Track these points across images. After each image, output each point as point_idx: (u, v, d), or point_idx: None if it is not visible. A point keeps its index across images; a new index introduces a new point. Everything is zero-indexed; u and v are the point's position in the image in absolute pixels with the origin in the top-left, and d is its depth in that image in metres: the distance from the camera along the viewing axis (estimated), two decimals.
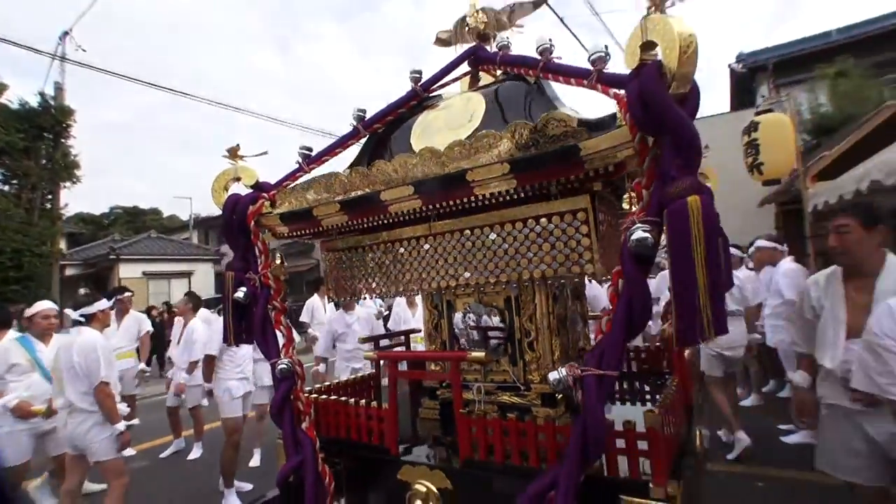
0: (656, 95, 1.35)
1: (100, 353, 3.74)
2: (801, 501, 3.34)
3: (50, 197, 9.84)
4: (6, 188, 9.39)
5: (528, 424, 1.75)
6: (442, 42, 3.04)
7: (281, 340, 2.37)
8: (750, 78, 15.52)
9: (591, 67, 1.80)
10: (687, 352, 2.59)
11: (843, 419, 2.54)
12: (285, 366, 2.22)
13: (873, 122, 5.95)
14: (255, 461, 5.58)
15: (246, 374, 4.92)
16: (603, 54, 1.77)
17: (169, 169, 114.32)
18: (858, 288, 2.47)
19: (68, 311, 4.17)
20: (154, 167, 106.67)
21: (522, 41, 2.82)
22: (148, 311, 10.84)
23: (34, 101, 9.34)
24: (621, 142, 1.50)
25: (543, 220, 1.87)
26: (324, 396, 2.42)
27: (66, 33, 9.38)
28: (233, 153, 2.62)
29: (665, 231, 1.36)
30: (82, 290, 11.93)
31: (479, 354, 1.92)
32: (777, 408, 5.86)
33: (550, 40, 2.14)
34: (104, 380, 3.70)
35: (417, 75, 2.67)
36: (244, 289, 2.38)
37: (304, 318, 7.10)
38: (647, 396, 2.66)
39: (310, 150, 2.69)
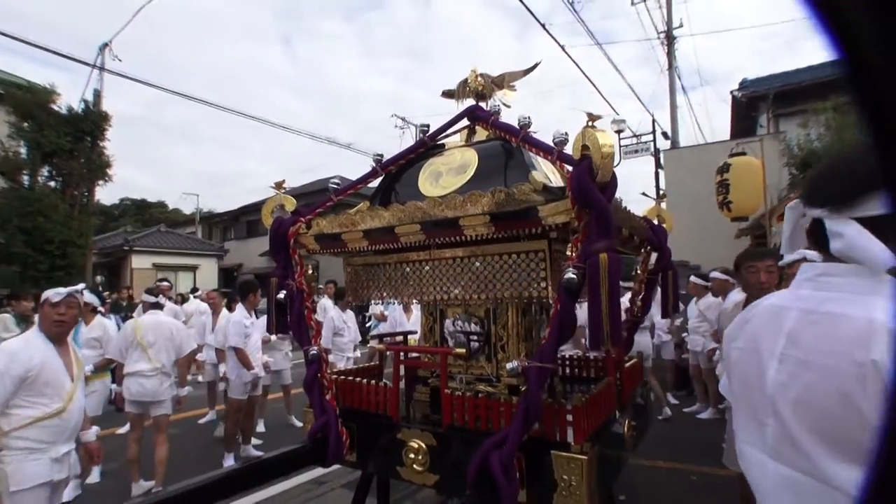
0: (585, 185, 2.06)
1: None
2: (727, 493, 3.97)
3: (87, 193, 10.72)
4: (53, 185, 10.30)
5: (490, 400, 2.46)
6: (447, 95, 3.73)
7: (311, 332, 3.08)
8: (751, 106, 15.32)
9: (554, 147, 2.52)
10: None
11: None
12: (315, 351, 2.94)
13: None
14: (260, 427, 6.57)
15: (255, 362, 5.65)
16: (563, 139, 2.49)
17: (174, 162, 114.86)
18: None
19: (147, 296, 5.13)
20: (160, 160, 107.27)
21: (517, 97, 3.56)
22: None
23: (77, 106, 10.36)
24: (566, 209, 2.21)
25: (514, 255, 2.59)
26: (343, 377, 3.14)
27: (105, 45, 10.33)
28: (278, 185, 3.36)
29: (587, 274, 2.06)
30: (98, 278, 12.67)
31: (461, 351, 2.65)
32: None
33: (528, 117, 2.86)
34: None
35: (426, 128, 3.41)
36: (284, 292, 3.08)
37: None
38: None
39: (337, 183, 3.42)
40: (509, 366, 2.27)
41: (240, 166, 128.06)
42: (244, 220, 29.25)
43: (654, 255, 3.77)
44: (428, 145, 3.40)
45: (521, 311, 2.97)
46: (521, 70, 3.64)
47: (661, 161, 15.66)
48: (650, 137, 16.18)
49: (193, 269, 22.57)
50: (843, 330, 0.96)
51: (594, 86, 14.09)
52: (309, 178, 36.16)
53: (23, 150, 9.84)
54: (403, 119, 21.40)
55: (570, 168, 2.34)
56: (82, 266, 10.35)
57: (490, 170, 2.97)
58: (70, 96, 10.70)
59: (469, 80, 3.49)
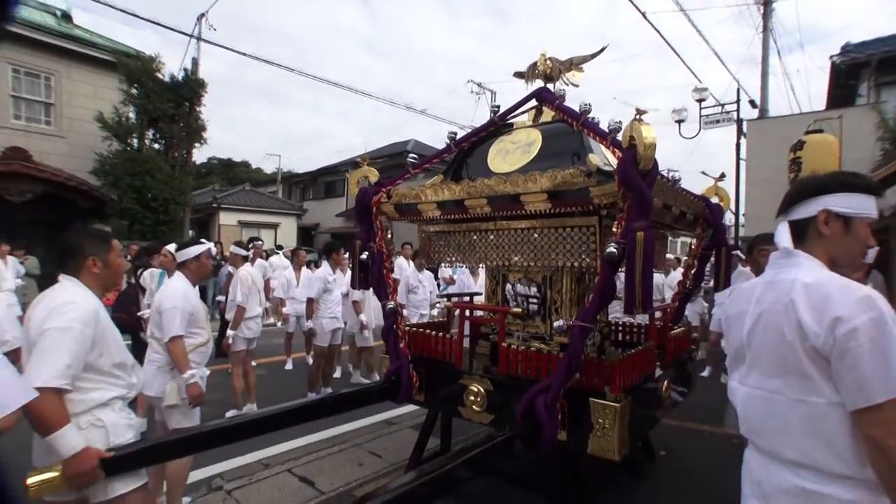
0: (629, 171, 2.36)
1: None
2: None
3: (185, 154, 11.81)
4: (157, 147, 11.47)
5: (540, 353, 2.86)
6: (518, 75, 4.02)
7: (388, 289, 3.55)
8: (851, 73, 14.03)
9: (609, 133, 2.82)
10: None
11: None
12: (392, 305, 3.43)
13: None
14: (337, 374, 7.13)
15: (336, 314, 6.20)
16: (617, 126, 2.78)
17: (256, 122, 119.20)
18: None
19: (238, 249, 5.77)
20: (244, 120, 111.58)
21: (601, 60, 3.79)
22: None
23: (178, 74, 11.40)
24: (613, 191, 2.52)
25: (568, 228, 2.94)
26: (415, 329, 3.62)
27: (202, 15, 11.21)
28: (363, 161, 3.81)
29: (626, 248, 2.39)
30: (191, 232, 13.85)
31: (518, 310, 3.04)
32: None
33: (589, 104, 3.16)
34: None
35: (496, 108, 3.75)
36: (367, 252, 3.56)
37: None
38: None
39: (416, 158, 3.84)
40: (556, 324, 2.65)
41: (319, 126, 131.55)
42: (322, 181, 30.44)
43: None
44: (497, 124, 3.74)
45: (575, 279, 3.31)
46: (588, 54, 3.87)
47: (745, 132, 15.07)
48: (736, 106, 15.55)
49: (275, 226, 23.92)
50: (780, 287, 1.47)
51: (676, 53, 13.60)
52: (387, 140, 36.97)
53: (132, 116, 10.98)
54: (479, 85, 21.46)
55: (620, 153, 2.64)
56: (181, 221, 11.54)
57: (552, 150, 3.28)
58: (169, 64, 11.71)
59: (538, 63, 3.77)
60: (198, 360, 3.34)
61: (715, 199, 4.03)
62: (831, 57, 14.10)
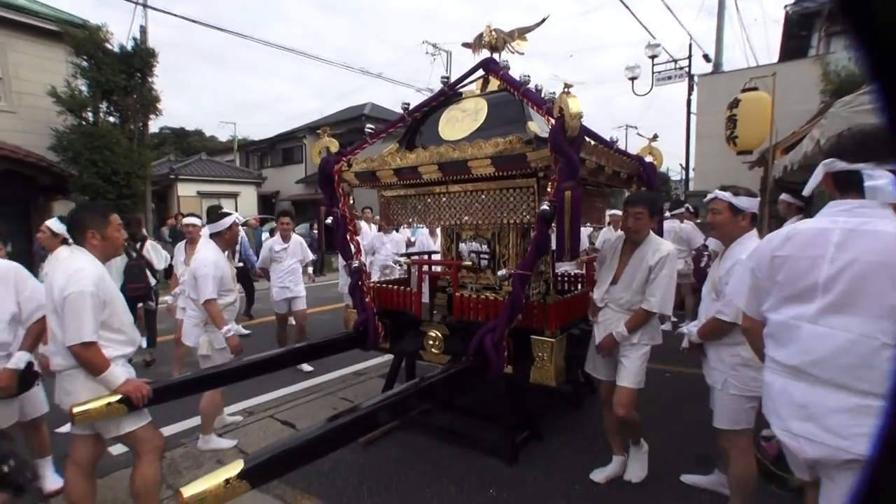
0: (558, 140, 2.72)
1: None
2: (687, 386, 4.68)
3: (141, 127, 11.64)
4: (112, 120, 11.27)
5: (488, 300, 3.26)
6: (467, 45, 4.30)
7: (352, 250, 3.89)
8: (804, 23, 14.06)
9: (545, 103, 3.17)
10: None
11: (596, 333, 3.22)
12: (357, 264, 3.78)
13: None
14: None
15: (286, 284, 5.96)
16: (553, 97, 3.13)
17: (206, 88, 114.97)
18: (627, 251, 3.14)
19: (193, 220, 5.84)
20: (193, 86, 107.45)
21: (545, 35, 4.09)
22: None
23: (127, 44, 11.12)
24: (547, 156, 2.88)
25: (511, 189, 3.31)
26: (379, 284, 3.98)
27: None
28: (324, 132, 4.09)
29: (557, 205, 2.77)
30: (151, 206, 13.77)
31: (468, 264, 3.43)
32: None
33: (528, 76, 3.49)
34: None
35: (446, 79, 4.05)
36: (331, 217, 3.87)
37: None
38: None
39: (372, 128, 4.12)
40: (500, 273, 3.07)
41: (272, 91, 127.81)
42: (280, 147, 30.04)
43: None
44: (447, 94, 4.04)
45: (520, 234, 3.70)
46: (531, 24, 4.17)
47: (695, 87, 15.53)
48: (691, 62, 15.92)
49: (234, 196, 23.65)
50: (879, 238, 1.56)
51: (627, 7, 13.83)
52: (344, 104, 36.50)
53: (84, 89, 10.73)
54: (435, 46, 21.41)
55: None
56: (143, 194, 11.49)
57: (497, 117, 3.62)
58: (115, 31, 11.36)
59: (484, 34, 4.06)
60: (227, 317, 3.82)
61: (649, 158, 4.44)
62: (785, 6, 13.95)
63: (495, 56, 3.97)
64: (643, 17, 31.47)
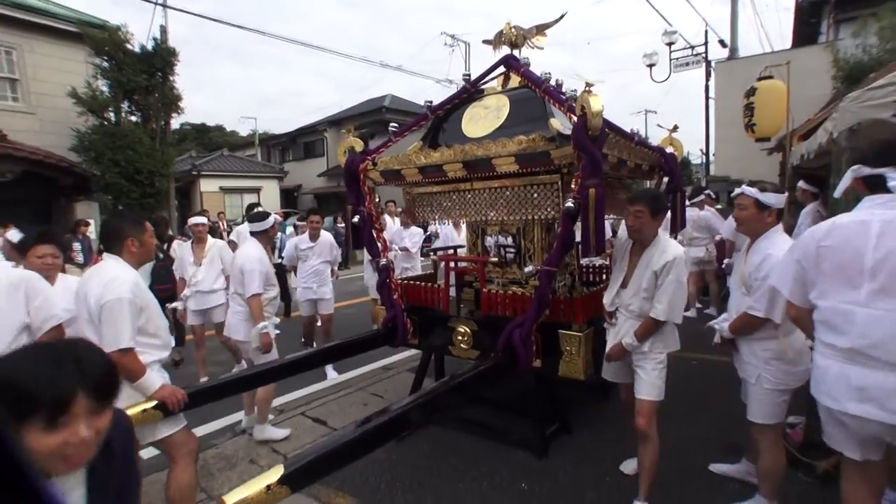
0: (581, 138, 2.76)
1: None
2: (720, 376, 4.69)
3: (164, 125, 11.86)
4: (134, 119, 11.51)
5: (515, 295, 3.32)
6: (487, 42, 4.34)
7: (379, 247, 3.97)
8: (813, 11, 14.00)
9: (566, 100, 3.21)
10: None
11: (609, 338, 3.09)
12: (384, 261, 3.86)
13: (861, 87, 6.39)
14: None
15: (309, 284, 5.82)
16: (574, 94, 3.16)
17: (226, 82, 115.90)
18: (636, 253, 2.94)
19: (199, 219, 5.72)
20: (213, 81, 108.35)
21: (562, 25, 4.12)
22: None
23: (147, 43, 11.33)
24: (570, 153, 2.93)
25: (535, 186, 3.36)
26: (407, 281, 4.07)
27: None
28: (348, 132, 4.16)
29: (581, 202, 2.81)
30: (175, 202, 14.01)
31: (495, 259, 3.49)
32: None
33: (549, 73, 3.53)
34: None
35: (468, 76, 4.09)
36: (357, 216, 3.96)
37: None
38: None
39: (396, 126, 4.18)
40: (527, 269, 3.12)
41: (292, 85, 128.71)
42: (301, 141, 30.26)
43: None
44: (470, 91, 4.09)
45: (545, 228, 3.75)
46: (550, 21, 4.19)
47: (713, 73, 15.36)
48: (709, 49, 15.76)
49: (257, 190, 23.94)
50: None
51: None
52: (363, 96, 36.48)
53: (105, 89, 10.99)
54: (453, 37, 21.34)
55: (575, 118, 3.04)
56: (166, 192, 11.73)
57: (520, 114, 3.66)
58: (133, 30, 11.53)
59: (504, 31, 4.10)
60: (270, 310, 4.05)
61: (670, 149, 4.45)
62: None
63: (515, 52, 4.03)
64: (659, 3, 30.94)
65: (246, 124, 50.67)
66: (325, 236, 5.91)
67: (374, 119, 25.25)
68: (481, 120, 3.85)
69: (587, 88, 2.84)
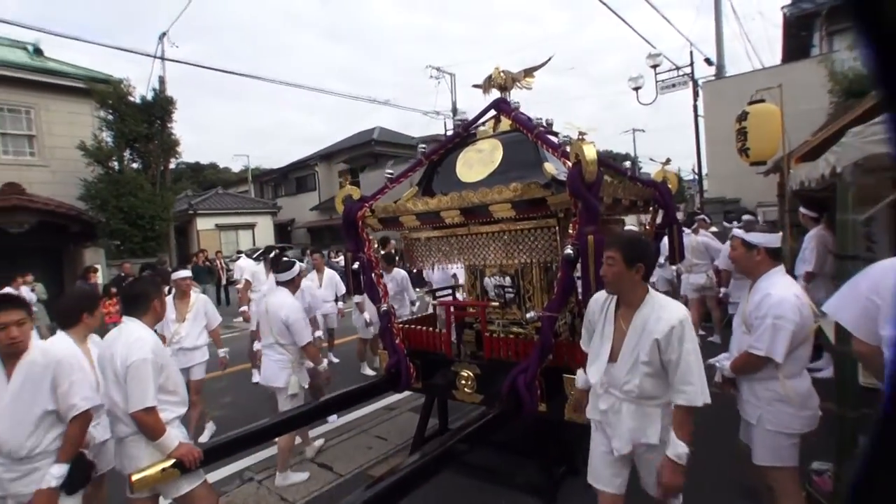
0: (577, 186, 2.82)
1: None
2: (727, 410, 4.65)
3: (163, 171, 12.10)
4: (135, 166, 11.79)
5: (518, 340, 3.35)
6: (477, 87, 4.43)
7: (380, 293, 3.99)
8: (803, 24, 13.82)
9: (560, 146, 3.28)
10: None
11: (597, 432, 2.52)
12: (385, 307, 3.88)
13: (860, 108, 6.22)
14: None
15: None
16: (567, 140, 3.24)
17: (217, 119, 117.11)
18: (624, 316, 2.40)
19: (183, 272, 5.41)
20: (205, 119, 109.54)
21: (538, 84, 4.23)
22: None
23: (146, 93, 11.71)
24: (566, 199, 2.98)
25: (532, 230, 3.41)
26: (408, 325, 4.08)
27: (164, 34, 11.45)
28: (346, 179, 4.23)
29: (580, 249, 2.86)
30: (174, 244, 14.07)
31: (495, 304, 3.52)
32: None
33: (542, 118, 3.62)
34: None
35: (461, 121, 4.18)
36: (357, 262, 3.99)
37: None
38: None
39: (391, 174, 4.25)
40: (529, 315, 3.15)
41: (282, 117, 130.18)
42: (293, 176, 30.60)
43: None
44: (462, 136, 4.17)
45: (544, 269, 3.79)
46: (537, 64, 4.29)
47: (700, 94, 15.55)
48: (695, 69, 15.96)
49: (251, 226, 24.11)
50: None
51: (626, 23, 13.96)
52: (352, 126, 36.90)
53: (109, 140, 11.36)
54: (438, 69, 21.69)
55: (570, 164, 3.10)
56: (166, 235, 11.93)
57: (513, 159, 3.73)
58: (133, 77, 11.99)
59: (493, 76, 4.19)
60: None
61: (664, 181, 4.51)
62: (783, 8, 13.85)
63: (505, 95, 4.12)
64: (642, 21, 31.60)
65: (239, 161, 51.17)
66: (329, 273, 5.97)
67: (364, 152, 25.56)
68: (476, 164, 3.92)
69: (581, 137, 2.91)
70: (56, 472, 2.42)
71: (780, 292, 2.55)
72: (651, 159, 16.81)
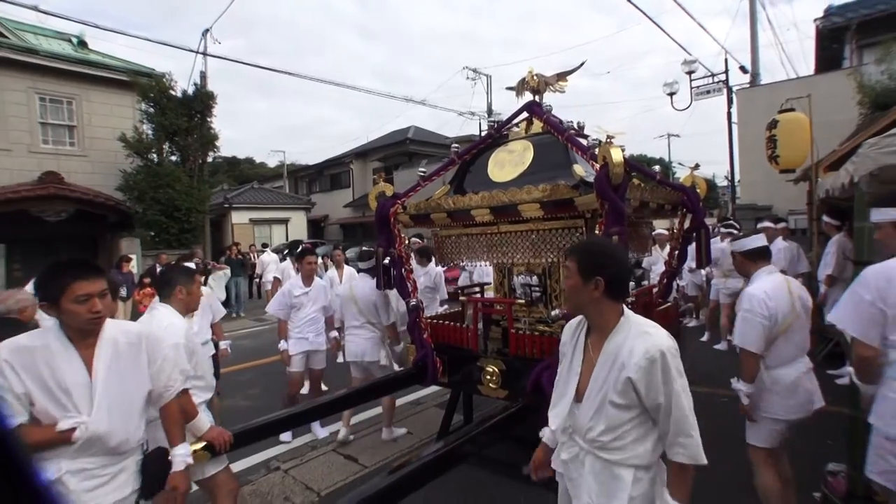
0: (604, 188, 2.89)
1: None
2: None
3: (201, 164, 12.47)
4: (174, 159, 12.18)
5: (542, 337, 3.43)
6: (510, 89, 4.52)
7: (409, 288, 4.12)
8: (834, 37, 13.89)
9: (589, 148, 3.35)
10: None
11: (562, 485, 2.11)
12: (414, 302, 4.00)
13: (885, 120, 6.25)
14: None
15: (304, 335, 5.07)
16: (596, 143, 3.31)
17: (255, 114, 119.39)
18: (594, 343, 1.92)
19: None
20: (243, 114, 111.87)
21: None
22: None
23: (188, 87, 12.14)
24: (592, 201, 3.05)
25: (559, 229, 3.49)
26: (435, 321, 4.20)
27: (207, 30, 11.82)
28: (380, 177, 4.36)
29: None
30: (209, 237, 14.45)
31: (521, 302, 3.61)
32: None
33: (573, 121, 3.70)
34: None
35: (494, 122, 4.28)
36: (388, 258, 4.12)
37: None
38: None
39: (424, 172, 4.36)
40: (553, 313, 3.23)
41: (318, 114, 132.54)
42: (328, 173, 31.05)
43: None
44: (495, 136, 4.27)
45: None
46: (570, 69, 4.37)
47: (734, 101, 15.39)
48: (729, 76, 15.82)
49: (285, 222, 24.52)
50: None
51: (662, 30, 13.89)
52: (387, 122, 37.30)
53: (150, 132, 11.76)
54: (475, 71, 21.82)
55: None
56: (202, 227, 12.28)
57: (543, 160, 3.81)
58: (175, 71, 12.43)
59: (526, 79, 4.28)
60: None
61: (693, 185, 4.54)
62: (815, 20, 14.01)
63: (537, 98, 4.21)
64: (679, 27, 31.18)
65: (275, 156, 52.23)
66: (318, 281, 5.37)
67: (399, 151, 25.85)
68: (507, 165, 4.01)
69: (608, 140, 2.99)
70: (183, 452, 2.30)
71: (751, 289, 2.89)
72: (679, 164, 16.64)
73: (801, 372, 2.85)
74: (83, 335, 2.03)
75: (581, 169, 3.52)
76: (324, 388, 5.76)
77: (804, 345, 2.92)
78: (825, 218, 6.10)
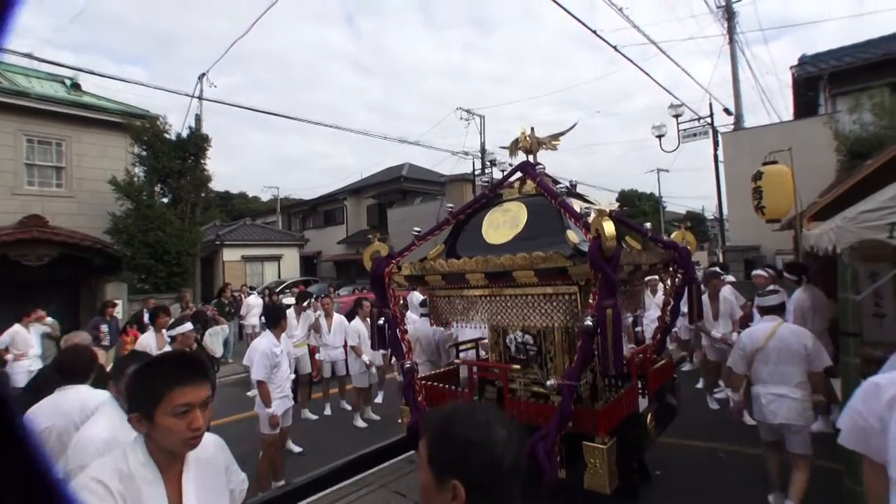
0: (596, 259, 2.93)
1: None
2: (753, 472, 4.67)
3: (193, 206, 12.42)
4: (165, 201, 12.14)
5: (539, 405, 3.42)
6: (505, 148, 4.60)
7: (405, 348, 4.10)
8: (810, 85, 14.40)
9: (582, 216, 3.40)
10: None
11: None
12: (409, 364, 3.99)
13: (872, 166, 6.42)
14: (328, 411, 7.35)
15: (286, 392, 4.95)
16: (589, 212, 3.36)
17: (249, 148, 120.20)
18: None
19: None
20: (237, 148, 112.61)
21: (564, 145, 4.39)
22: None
23: (182, 130, 12.16)
24: (587, 270, 3.09)
25: (553, 295, 3.51)
26: (429, 383, 4.18)
27: (203, 75, 11.97)
28: (374, 236, 4.39)
29: (599, 322, 2.95)
30: (199, 276, 14.35)
31: (517, 367, 3.61)
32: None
33: (565, 187, 3.75)
34: None
35: (487, 182, 4.34)
36: (383, 318, 4.12)
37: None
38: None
39: (419, 231, 4.40)
40: (549, 383, 3.23)
41: (312, 148, 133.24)
42: (321, 209, 31.14)
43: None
44: (489, 197, 4.33)
45: (565, 330, 3.87)
46: (562, 130, 4.47)
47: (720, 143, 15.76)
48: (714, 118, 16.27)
49: (278, 258, 24.39)
50: None
51: (651, 77, 14.30)
52: (381, 159, 37.56)
53: (141, 175, 11.69)
54: (468, 111, 22.15)
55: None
56: (192, 270, 12.16)
57: (537, 223, 3.85)
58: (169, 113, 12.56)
59: (520, 139, 4.37)
60: None
61: (683, 243, 4.60)
62: (791, 68, 14.57)
63: (530, 158, 4.29)
64: (664, 69, 32.06)
65: (268, 191, 52.51)
66: (338, 318, 5.84)
67: (393, 188, 26.03)
68: (501, 226, 4.05)
69: (600, 214, 3.04)
70: None
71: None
72: (672, 223, 16.90)
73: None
74: (173, 458, 1.59)
75: (574, 235, 3.56)
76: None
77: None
78: (785, 274, 6.33)
